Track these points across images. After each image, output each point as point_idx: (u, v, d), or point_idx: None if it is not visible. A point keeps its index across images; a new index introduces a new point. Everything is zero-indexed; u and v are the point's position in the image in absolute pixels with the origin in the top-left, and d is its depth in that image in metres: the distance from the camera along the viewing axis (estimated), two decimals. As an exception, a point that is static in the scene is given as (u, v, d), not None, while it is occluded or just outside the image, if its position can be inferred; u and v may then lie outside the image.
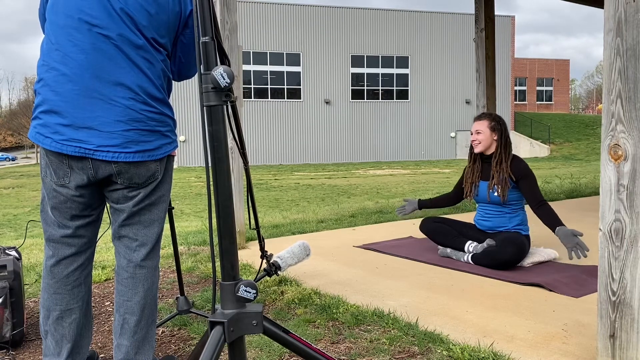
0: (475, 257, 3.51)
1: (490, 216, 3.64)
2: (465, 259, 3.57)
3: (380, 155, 33.35)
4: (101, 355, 2.30)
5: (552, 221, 3.24)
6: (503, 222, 3.58)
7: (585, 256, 2.99)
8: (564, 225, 3.18)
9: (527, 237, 3.54)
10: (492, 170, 3.55)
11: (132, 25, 1.75)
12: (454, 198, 3.96)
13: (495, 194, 3.52)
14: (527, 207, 3.60)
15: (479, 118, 3.68)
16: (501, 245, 3.39)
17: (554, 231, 3.18)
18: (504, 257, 3.34)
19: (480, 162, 3.68)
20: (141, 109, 1.77)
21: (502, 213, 3.58)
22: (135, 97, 1.75)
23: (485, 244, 3.55)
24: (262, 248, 1.62)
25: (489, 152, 3.61)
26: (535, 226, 3.91)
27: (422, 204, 4.04)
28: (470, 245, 3.62)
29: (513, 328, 2.40)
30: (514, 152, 3.63)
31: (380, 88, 33.67)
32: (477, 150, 3.62)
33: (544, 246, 3.90)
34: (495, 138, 3.57)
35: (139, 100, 1.76)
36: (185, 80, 2.12)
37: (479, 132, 3.59)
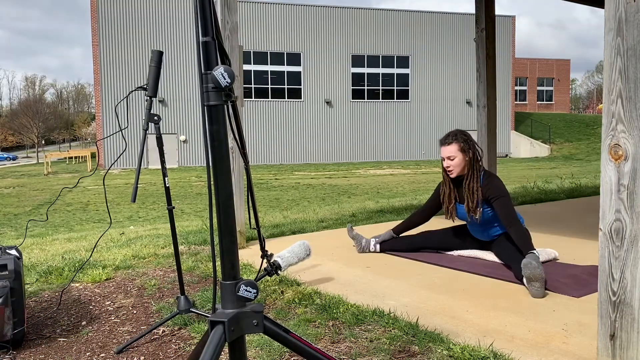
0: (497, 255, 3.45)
1: (479, 227, 3.57)
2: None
3: (381, 155, 33.37)
4: (101, 355, 2.31)
5: (522, 244, 3.13)
6: (494, 231, 3.53)
7: (539, 296, 2.78)
8: (533, 250, 3.06)
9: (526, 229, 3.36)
10: (465, 193, 3.41)
11: None
12: (430, 212, 3.78)
13: (475, 217, 3.41)
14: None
15: (446, 142, 3.44)
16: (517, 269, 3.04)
17: (523, 256, 3.03)
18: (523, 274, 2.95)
19: (453, 185, 3.53)
20: None
21: (489, 223, 3.51)
22: None
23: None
24: (262, 248, 1.62)
25: (462, 174, 3.44)
26: (536, 226, 3.91)
27: (398, 230, 3.88)
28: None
29: (513, 328, 2.40)
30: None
31: (380, 88, 33.69)
32: (452, 176, 3.45)
33: (544, 246, 3.90)
34: (467, 159, 3.39)
35: None
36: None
37: (451, 158, 3.41)
